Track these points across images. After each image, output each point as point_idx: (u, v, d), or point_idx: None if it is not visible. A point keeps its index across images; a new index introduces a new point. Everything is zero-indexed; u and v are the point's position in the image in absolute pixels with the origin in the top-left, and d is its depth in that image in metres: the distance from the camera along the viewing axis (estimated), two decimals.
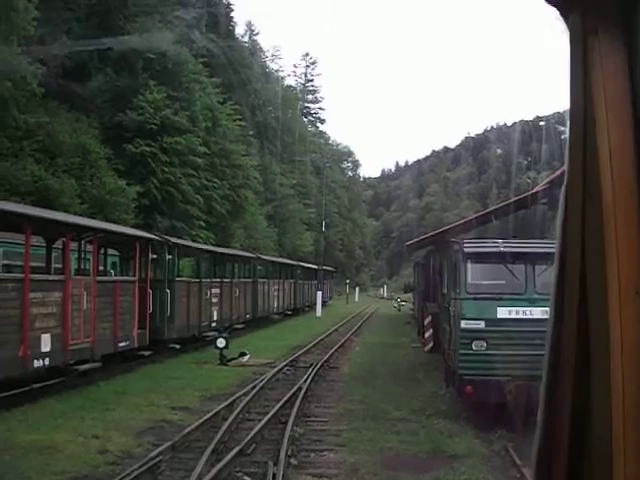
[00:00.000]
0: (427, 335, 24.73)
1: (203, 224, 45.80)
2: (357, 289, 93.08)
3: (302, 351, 28.11)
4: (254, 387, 19.14)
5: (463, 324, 14.65)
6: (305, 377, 20.94)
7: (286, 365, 24.06)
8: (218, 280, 30.67)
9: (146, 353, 22.24)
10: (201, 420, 14.89)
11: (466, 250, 15.04)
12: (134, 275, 21.81)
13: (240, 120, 58.02)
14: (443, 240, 21.53)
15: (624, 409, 1.37)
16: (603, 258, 1.41)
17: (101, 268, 21.86)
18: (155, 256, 24.26)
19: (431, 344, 24.42)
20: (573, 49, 1.47)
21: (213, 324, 29.48)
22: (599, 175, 1.42)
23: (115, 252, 25.19)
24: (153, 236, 23.51)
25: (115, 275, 23.41)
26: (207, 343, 27.21)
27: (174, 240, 25.47)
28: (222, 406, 16.45)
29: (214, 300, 29.55)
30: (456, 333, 15.58)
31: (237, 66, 67.08)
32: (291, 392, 18.33)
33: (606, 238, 1.41)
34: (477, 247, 15.48)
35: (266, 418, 15.06)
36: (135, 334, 21.42)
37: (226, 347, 24.25)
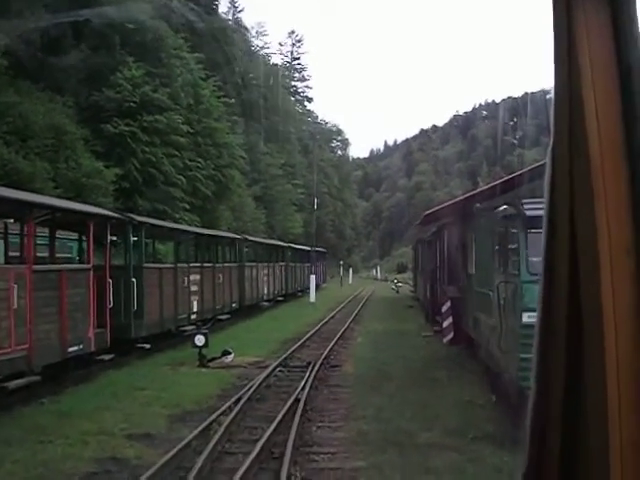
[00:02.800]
0: (445, 324, 20.40)
1: (187, 206, 43.38)
2: (351, 271, 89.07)
3: (297, 345, 23.78)
4: (238, 399, 14.80)
5: (525, 318, 10.24)
6: (302, 382, 16.63)
7: (278, 365, 19.76)
8: (198, 265, 26.29)
9: (106, 357, 17.85)
10: (165, 457, 10.54)
11: (529, 214, 10.65)
12: (87, 262, 17.34)
13: (224, 97, 55.09)
14: (472, 207, 17.15)
15: (618, 370, 1.34)
16: (592, 218, 1.38)
17: (44, 254, 17.52)
18: (114, 238, 19.88)
19: (451, 335, 20.12)
20: (556, 7, 1.43)
21: (193, 316, 25.13)
22: (585, 134, 1.39)
23: (75, 235, 20.95)
24: (111, 214, 19.03)
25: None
26: (186, 339, 22.74)
27: (140, 219, 20.98)
28: (195, 432, 12.12)
29: (193, 288, 25.17)
30: (512, 329, 11.25)
31: (220, 44, 64.79)
32: (286, 407, 14.00)
33: (595, 197, 1.37)
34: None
35: (253, 454, 10.71)
36: (91, 335, 17.01)
37: (206, 345, 19.94)
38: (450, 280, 21.97)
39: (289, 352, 22.04)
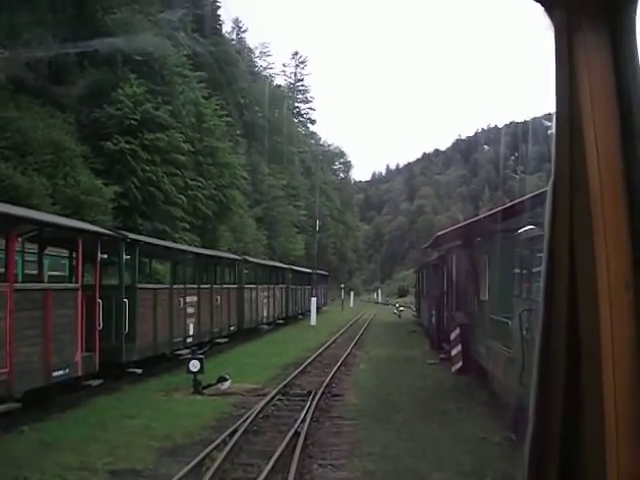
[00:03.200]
0: (454, 352, 19.26)
1: (187, 226, 42.74)
2: (352, 294, 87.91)
3: (297, 371, 22.62)
4: (234, 432, 13.68)
5: None
6: (302, 413, 15.49)
7: (277, 393, 18.63)
8: (195, 286, 25.17)
9: (94, 383, 16.73)
10: None
11: None
12: (76, 281, 16.24)
13: (227, 116, 54.89)
14: (486, 228, 16.06)
15: (616, 403, 1.34)
16: (592, 252, 1.39)
17: (32, 272, 16.45)
18: (105, 256, 18.80)
19: (460, 364, 18.99)
20: (558, 44, 1.47)
21: (189, 340, 23.98)
22: (586, 168, 1.41)
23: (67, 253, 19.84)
24: (102, 230, 17.93)
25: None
26: (181, 363, 21.59)
27: (133, 236, 19.87)
28: (185, 470, 10.98)
29: (190, 310, 24.04)
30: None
31: (223, 64, 65.00)
32: (285, 441, 12.87)
33: (594, 231, 1.39)
34: None
35: None
36: (78, 359, 15.89)
37: (201, 371, 18.79)
38: (459, 306, 20.89)
39: (289, 379, 20.90)
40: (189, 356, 19.60)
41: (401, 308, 62.03)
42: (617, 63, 1.43)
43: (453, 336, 19.30)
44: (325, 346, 31.09)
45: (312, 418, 15.17)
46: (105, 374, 17.44)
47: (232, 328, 30.12)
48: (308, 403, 16.82)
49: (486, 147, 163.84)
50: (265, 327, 37.23)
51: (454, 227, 23.61)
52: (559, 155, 1.48)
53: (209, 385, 19.07)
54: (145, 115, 38.42)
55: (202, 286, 25.93)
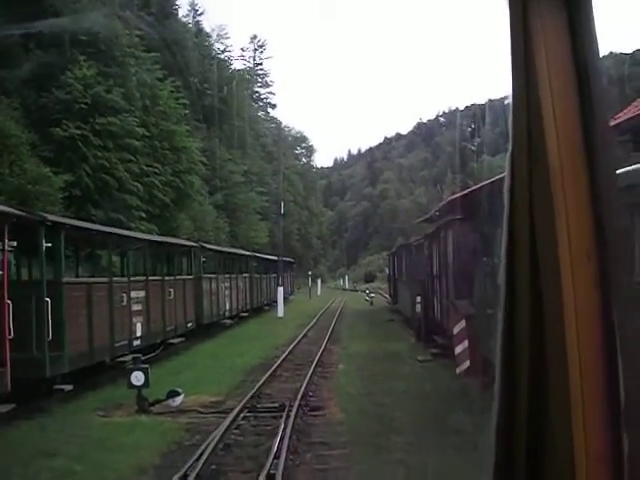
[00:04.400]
0: (459, 350, 15.39)
1: (144, 215, 39.90)
2: (319, 281, 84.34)
3: (265, 376, 18.76)
4: (184, 477, 9.85)
5: None
6: (276, 440, 11.68)
7: (243, 409, 14.80)
8: (142, 279, 21.18)
9: (3, 410, 12.72)
10: None
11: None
12: None
13: (184, 100, 51.73)
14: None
15: (581, 377, 1.33)
16: (552, 223, 1.37)
17: None
18: (15, 244, 14.71)
19: (467, 364, 15.16)
20: (513, 12, 1.42)
21: (136, 343, 20.00)
22: (544, 139, 1.38)
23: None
24: (11, 210, 13.70)
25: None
26: (126, 372, 17.65)
27: (55, 219, 15.72)
28: None
29: (136, 308, 20.02)
30: None
31: (179, 48, 61.85)
32: None
33: (554, 203, 1.37)
34: None
35: None
36: None
37: (146, 384, 14.88)
38: (460, 292, 17.11)
39: (256, 387, 17.04)
40: (131, 366, 15.55)
41: (372, 294, 58.31)
42: (573, 29, 1.38)
43: (457, 330, 15.44)
44: (296, 341, 27.24)
45: (289, 448, 11.34)
46: (23, 394, 13.43)
47: (189, 325, 26.12)
48: (282, 423, 13.00)
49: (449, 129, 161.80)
50: (228, 322, 33.08)
51: (456, 195, 19.59)
52: (516, 127, 1.41)
53: (157, 401, 15.16)
54: (96, 99, 35.92)
55: (151, 278, 21.92)
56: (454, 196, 20.21)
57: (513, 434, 1.42)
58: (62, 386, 15.08)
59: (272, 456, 10.70)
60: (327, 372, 20.10)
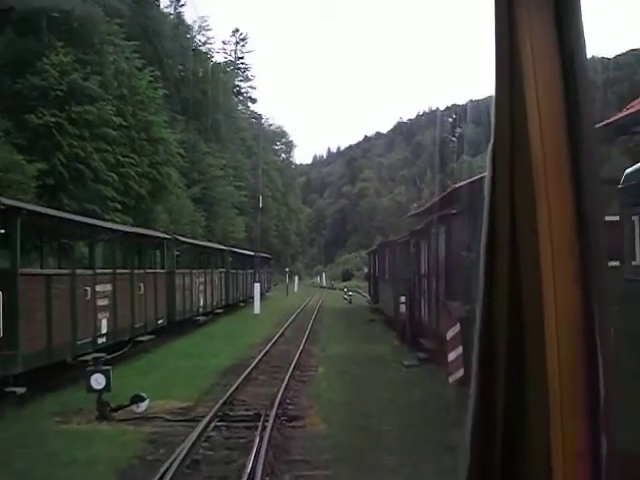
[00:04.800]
0: (453, 356, 13.94)
1: (119, 207, 38.43)
2: (296, 278, 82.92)
3: (240, 379, 17.29)
4: None
5: None
6: (250, 457, 10.24)
7: (214, 417, 13.36)
8: (109, 271, 19.64)
9: None
10: None
11: None
12: None
13: (162, 90, 50.06)
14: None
15: (560, 373, 1.29)
16: (533, 217, 1.33)
17: None
18: None
19: (461, 372, 13.74)
20: (498, 5, 1.38)
21: (101, 340, 18.48)
22: (527, 134, 1.34)
23: None
24: None
25: None
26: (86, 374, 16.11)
27: (9, 202, 14.07)
28: None
29: (102, 302, 18.47)
30: None
31: (160, 38, 60.14)
32: None
33: (536, 196, 1.33)
34: None
35: None
36: None
37: (107, 388, 13.39)
38: (452, 293, 15.71)
39: (230, 392, 15.58)
40: (91, 367, 14.00)
41: (350, 293, 56.92)
42: (560, 21, 1.34)
43: (451, 334, 14.01)
44: (273, 341, 25.77)
45: (264, 467, 9.89)
46: None
47: (160, 322, 24.55)
48: (257, 436, 11.56)
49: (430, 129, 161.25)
50: (202, 318, 31.45)
51: (452, 187, 18.10)
52: (499, 118, 1.36)
53: (120, 407, 13.67)
54: (72, 86, 34.47)
55: (119, 271, 20.36)
56: (449, 189, 18.70)
57: (489, 433, 1.35)
58: (14, 388, 13.53)
59: (245, 478, 9.27)
60: (306, 376, 18.67)
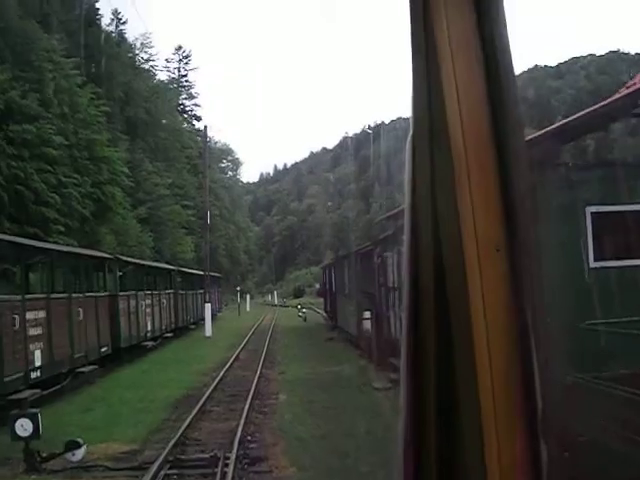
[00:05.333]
0: None
1: (62, 229, 36.88)
2: (248, 297, 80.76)
3: (193, 413, 15.23)
4: None
5: None
6: None
7: (164, 463, 11.30)
8: (41, 296, 17.41)
9: None
10: None
11: None
12: None
13: (104, 107, 48.72)
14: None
15: (492, 382, 1.20)
16: (457, 215, 1.25)
17: None
18: None
19: None
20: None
21: (34, 375, 16.21)
22: (446, 120, 1.27)
23: None
24: None
25: None
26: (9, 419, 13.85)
27: None
28: None
29: (34, 332, 16.19)
30: None
31: (102, 56, 59.36)
32: None
33: (458, 193, 1.25)
34: None
35: None
36: None
37: (35, 434, 11.24)
38: None
39: (182, 429, 13.52)
40: (16, 412, 11.80)
41: (304, 310, 54.88)
42: (478, 6, 1.26)
43: None
44: (227, 365, 23.65)
45: None
46: None
47: (104, 349, 22.23)
48: None
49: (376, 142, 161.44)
50: (150, 344, 29.07)
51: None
52: (416, 109, 1.29)
53: (52, 456, 11.52)
54: (10, 104, 33.43)
55: (55, 296, 18.10)
56: None
57: (422, 448, 1.26)
58: None
59: None
60: (267, 405, 16.62)
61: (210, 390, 18.37)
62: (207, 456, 11.65)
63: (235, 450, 11.63)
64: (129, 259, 28.89)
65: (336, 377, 19.66)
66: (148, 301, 29.36)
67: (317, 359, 24.27)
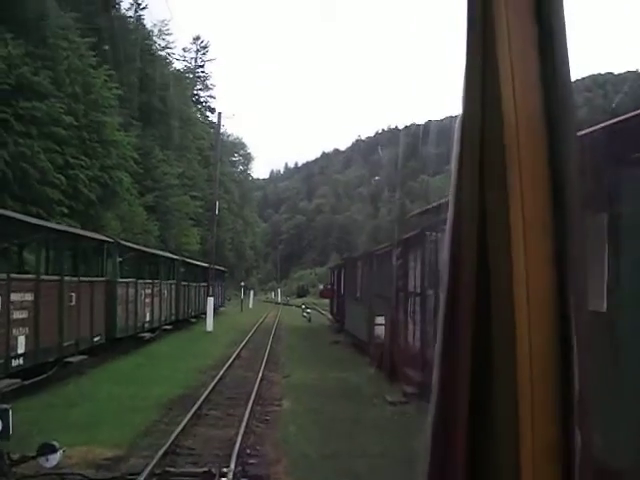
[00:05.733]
0: None
1: (66, 211, 36.07)
2: (252, 294, 79.23)
3: (187, 417, 13.68)
4: None
5: None
6: None
7: (150, 477, 9.74)
8: (30, 277, 15.87)
9: None
10: None
11: None
12: None
13: (118, 90, 47.57)
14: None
15: (531, 363, 1.17)
16: (505, 196, 1.22)
17: None
18: None
19: None
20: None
21: (16, 362, 14.62)
22: (500, 105, 1.22)
23: None
24: None
25: None
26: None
27: None
28: None
29: (18, 315, 14.64)
30: None
31: (119, 40, 58.17)
32: None
33: (508, 173, 1.21)
34: None
35: None
36: None
37: (4, 434, 9.63)
38: None
39: (174, 436, 11.95)
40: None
41: (308, 310, 53.31)
42: (540, 11, 1.24)
43: None
44: (227, 364, 22.09)
45: None
46: None
47: (97, 339, 20.65)
48: None
49: (381, 151, 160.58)
50: (147, 335, 27.45)
51: None
52: (469, 90, 1.25)
53: (24, 459, 9.94)
54: (21, 80, 32.73)
55: (45, 278, 16.55)
56: None
57: (452, 433, 1.23)
58: None
59: None
60: (269, 413, 15.04)
61: (208, 391, 16.80)
62: (200, 471, 10.09)
63: (233, 465, 10.08)
64: (131, 244, 27.32)
65: (344, 385, 18.11)
66: (148, 290, 27.77)
67: (323, 363, 22.71)
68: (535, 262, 1.19)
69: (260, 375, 19.76)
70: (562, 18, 1.25)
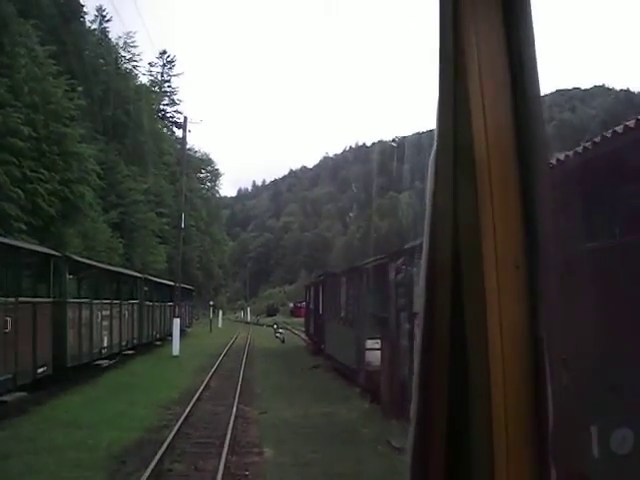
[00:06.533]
0: None
1: (24, 227, 33.34)
2: (220, 313, 76.09)
3: (150, 467, 10.56)
4: None
5: None
6: None
7: None
8: None
9: None
10: None
11: None
12: None
13: (79, 101, 44.41)
14: None
15: (505, 395, 1.19)
16: (478, 231, 1.24)
17: None
18: None
19: None
20: (443, 4, 1.29)
21: None
22: (472, 136, 1.25)
23: None
24: None
25: None
26: None
27: None
28: None
29: None
30: None
31: (82, 52, 57.30)
32: None
33: (480, 208, 1.23)
34: None
35: None
36: None
37: None
38: None
39: None
40: None
41: (281, 330, 50.09)
42: (507, 17, 1.25)
43: None
44: (195, 397, 18.91)
45: None
46: None
47: (42, 370, 17.28)
48: None
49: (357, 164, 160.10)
50: (105, 362, 24.10)
51: None
52: (441, 121, 1.26)
53: None
54: None
55: None
56: None
57: (430, 458, 1.25)
58: None
59: None
60: (248, 466, 11.83)
61: (172, 434, 13.64)
62: None
63: None
64: (83, 260, 24.03)
65: (335, 423, 15.07)
66: (106, 312, 24.40)
67: (305, 394, 19.64)
68: (507, 297, 1.17)
69: (234, 411, 16.60)
70: (531, 36, 1.21)
